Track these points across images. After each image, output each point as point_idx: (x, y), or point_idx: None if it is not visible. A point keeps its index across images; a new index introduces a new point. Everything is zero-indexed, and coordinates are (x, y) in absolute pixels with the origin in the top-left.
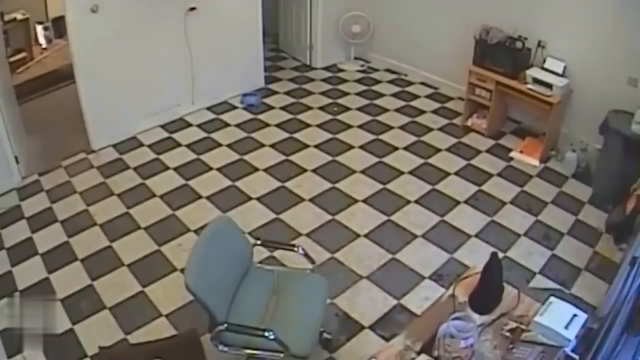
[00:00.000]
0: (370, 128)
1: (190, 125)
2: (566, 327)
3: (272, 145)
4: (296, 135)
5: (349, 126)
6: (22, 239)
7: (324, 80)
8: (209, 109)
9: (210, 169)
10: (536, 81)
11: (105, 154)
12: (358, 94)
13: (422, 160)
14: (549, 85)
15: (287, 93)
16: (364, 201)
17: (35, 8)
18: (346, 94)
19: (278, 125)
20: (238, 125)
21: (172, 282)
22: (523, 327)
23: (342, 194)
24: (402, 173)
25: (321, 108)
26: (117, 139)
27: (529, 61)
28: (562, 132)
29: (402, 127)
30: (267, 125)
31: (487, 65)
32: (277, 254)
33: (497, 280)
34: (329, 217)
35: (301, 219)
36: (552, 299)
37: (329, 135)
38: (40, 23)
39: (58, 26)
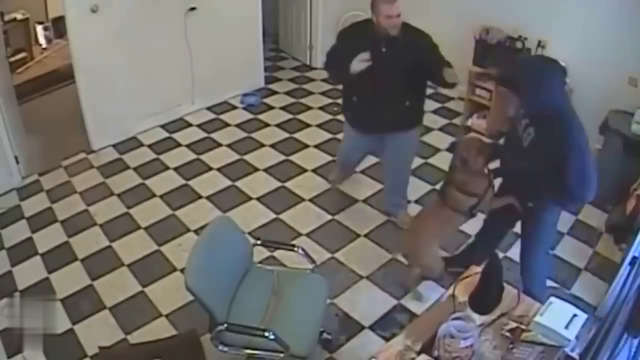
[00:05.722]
0: None
1: (190, 125)
2: (566, 327)
3: (272, 145)
4: (296, 135)
5: None
6: (22, 239)
7: (324, 80)
8: (209, 109)
9: (210, 169)
10: None
11: (105, 154)
12: None
13: (422, 160)
14: None
15: (287, 93)
16: (364, 201)
17: (35, 8)
18: None
19: (278, 125)
20: (238, 125)
21: (172, 282)
22: (523, 327)
23: (342, 194)
24: None
25: (321, 108)
26: (117, 139)
27: None
28: None
29: None
30: (267, 125)
31: (487, 65)
32: (277, 254)
33: (497, 280)
34: (329, 217)
35: (301, 219)
36: (552, 299)
37: (329, 135)
38: (40, 23)
39: (58, 26)
